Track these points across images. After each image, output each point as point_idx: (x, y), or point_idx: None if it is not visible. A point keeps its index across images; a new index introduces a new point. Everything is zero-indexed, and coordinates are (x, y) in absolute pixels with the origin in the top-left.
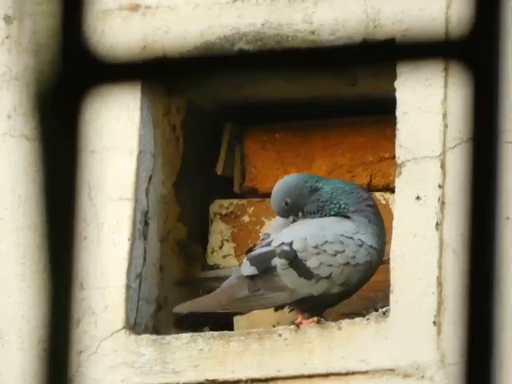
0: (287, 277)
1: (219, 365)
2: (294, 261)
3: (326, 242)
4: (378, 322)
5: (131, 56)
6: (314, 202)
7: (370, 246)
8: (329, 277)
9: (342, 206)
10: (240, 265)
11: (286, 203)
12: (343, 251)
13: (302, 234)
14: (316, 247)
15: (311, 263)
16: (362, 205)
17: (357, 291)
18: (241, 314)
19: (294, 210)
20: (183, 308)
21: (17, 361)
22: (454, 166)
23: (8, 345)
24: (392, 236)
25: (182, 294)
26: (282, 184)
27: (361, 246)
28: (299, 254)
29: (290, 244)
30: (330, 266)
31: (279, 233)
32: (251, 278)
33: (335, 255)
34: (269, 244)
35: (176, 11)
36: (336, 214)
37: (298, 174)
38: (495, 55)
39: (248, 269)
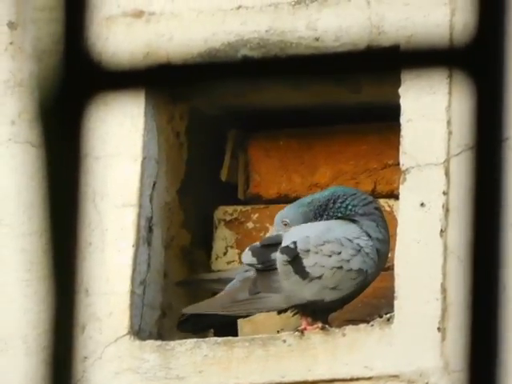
0: (285, 274)
1: (223, 371)
2: (295, 259)
3: (326, 242)
4: (382, 329)
5: (135, 63)
6: (316, 208)
7: (367, 254)
8: (320, 277)
9: (350, 207)
10: (242, 255)
11: (285, 223)
12: (339, 253)
13: (307, 233)
14: (316, 246)
15: (308, 262)
16: (370, 207)
17: (356, 297)
18: (243, 317)
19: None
20: (190, 309)
21: (22, 366)
22: (458, 173)
23: (13, 350)
24: (396, 242)
25: (186, 299)
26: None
27: (358, 251)
28: (301, 254)
29: (295, 242)
30: (323, 267)
31: (288, 232)
32: (253, 280)
33: (330, 256)
34: (276, 242)
35: (180, 18)
36: (343, 217)
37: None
38: (499, 63)
39: (249, 258)
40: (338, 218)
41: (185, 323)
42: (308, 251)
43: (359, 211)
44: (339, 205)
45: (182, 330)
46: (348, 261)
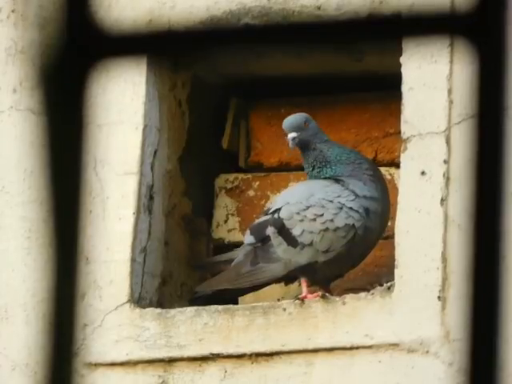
0: (279, 246)
1: (224, 339)
2: (282, 229)
3: (308, 206)
4: (383, 297)
5: (137, 30)
6: (319, 155)
7: (350, 209)
8: (311, 244)
9: (338, 173)
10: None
11: (304, 124)
12: (322, 215)
13: (289, 200)
14: (299, 213)
15: (296, 231)
16: (359, 171)
17: (362, 259)
18: (252, 290)
19: (306, 139)
20: (203, 288)
21: (22, 334)
22: (459, 142)
23: (13, 318)
24: (397, 211)
25: (187, 268)
26: (300, 116)
27: (340, 208)
28: (286, 222)
29: (279, 211)
30: (311, 232)
31: (275, 198)
32: (254, 252)
33: (315, 220)
34: (267, 212)
35: None
36: (330, 178)
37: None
38: (501, 30)
39: (248, 238)
40: (325, 177)
41: (198, 299)
42: (292, 219)
43: (346, 174)
44: (330, 169)
45: (196, 305)
46: (332, 220)
